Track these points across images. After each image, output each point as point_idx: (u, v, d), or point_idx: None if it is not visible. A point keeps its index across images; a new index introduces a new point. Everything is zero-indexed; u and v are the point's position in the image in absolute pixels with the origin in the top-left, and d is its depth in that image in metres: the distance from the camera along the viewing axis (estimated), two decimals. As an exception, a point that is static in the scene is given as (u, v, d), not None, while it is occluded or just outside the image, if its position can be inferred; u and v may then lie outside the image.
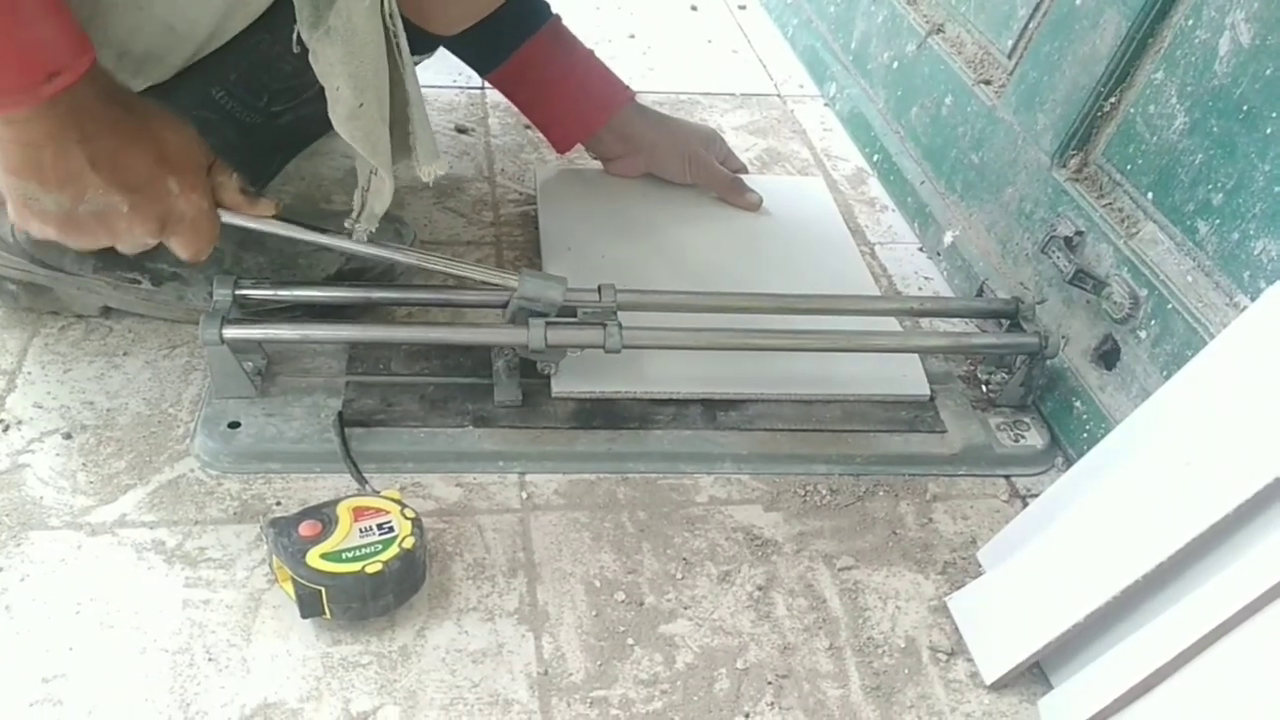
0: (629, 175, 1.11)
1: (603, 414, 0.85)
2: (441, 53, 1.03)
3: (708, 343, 0.85)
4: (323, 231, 0.79)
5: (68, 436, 0.79)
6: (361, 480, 0.77)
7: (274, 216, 0.77)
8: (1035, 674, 0.71)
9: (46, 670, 0.65)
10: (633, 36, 1.53)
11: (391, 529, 0.69)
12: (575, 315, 0.83)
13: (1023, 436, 0.88)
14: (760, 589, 0.75)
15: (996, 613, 0.72)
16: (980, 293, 1.01)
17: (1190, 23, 0.81)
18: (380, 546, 0.68)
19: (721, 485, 0.83)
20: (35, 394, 0.83)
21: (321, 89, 0.68)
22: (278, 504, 0.77)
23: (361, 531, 0.68)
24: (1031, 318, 0.89)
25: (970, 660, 0.72)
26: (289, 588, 0.67)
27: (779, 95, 1.42)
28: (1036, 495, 0.82)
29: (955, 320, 0.99)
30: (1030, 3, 1.01)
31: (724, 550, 0.78)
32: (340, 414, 0.81)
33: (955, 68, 1.12)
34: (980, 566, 0.78)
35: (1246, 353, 0.67)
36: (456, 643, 0.69)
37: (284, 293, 0.83)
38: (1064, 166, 0.93)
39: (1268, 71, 0.74)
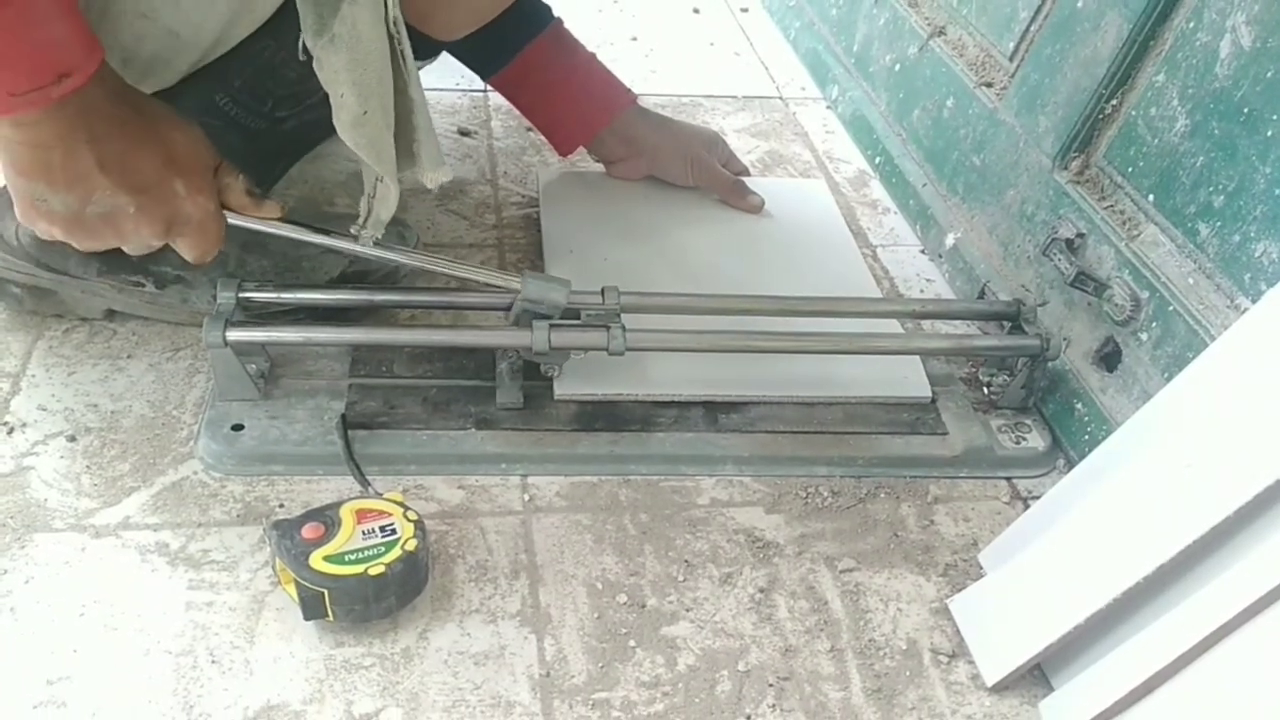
0: (631, 178, 1.12)
1: (605, 416, 0.85)
2: (443, 55, 1.03)
3: (710, 345, 0.86)
4: (328, 233, 0.79)
5: (72, 439, 0.80)
6: (364, 482, 0.77)
7: (280, 219, 0.77)
8: (1036, 676, 0.71)
9: (51, 672, 0.65)
10: (635, 39, 1.53)
11: (394, 531, 0.69)
12: (579, 317, 0.83)
13: (1024, 438, 0.88)
14: (762, 591, 0.75)
15: (998, 615, 0.72)
16: (982, 295, 1.01)
17: (1191, 25, 0.81)
18: (383, 549, 0.68)
19: (723, 487, 0.83)
20: (40, 397, 0.83)
21: (326, 95, 0.69)
22: (281, 506, 0.77)
23: (364, 534, 0.69)
24: (1033, 320, 0.89)
25: (971, 662, 0.72)
26: (292, 590, 0.68)
27: (781, 98, 1.43)
28: (1038, 497, 0.82)
29: (957, 322, 0.99)
30: (1032, 5, 1.01)
31: (725, 552, 0.78)
32: (343, 416, 0.82)
33: (957, 70, 1.12)
34: (981, 568, 0.79)
35: (1247, 355, 0.67)
36: (459, 645, 0.69)
37: (287, 295, 0.84)
38: (1065, 169, 0.93)
39: (1268, 74, 0.74)
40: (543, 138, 1.11)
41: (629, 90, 1.07)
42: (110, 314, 0.90)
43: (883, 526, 0.81)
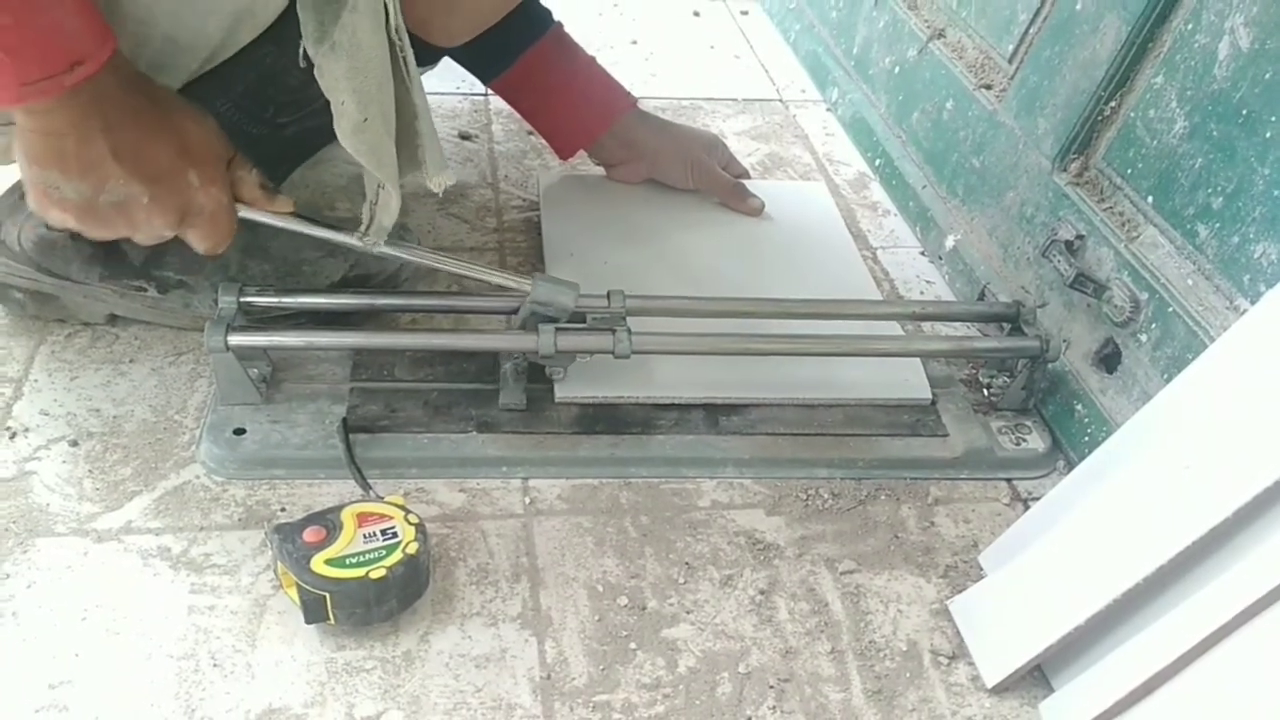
0: (631, 181, 1.12)
1: (605, 419, 0.85)
2: (444, 60, 1.04)
3: (713, 347, 0.86)
4: (338, 230, 0.79)
5: (74, 444, 0.80)
6: (366, 486, 0.78)
7: (291, 214, 0.77)
8: (1036, 677, 0.71)
9: (53, 676, 0.65)
10: (635, 42, 1.53)
11: (395, 535, 0.69)
12: (584, 320, 0.83)
13: (1024, 440, 0.88)
14: (762, 593, 0.75)
15: (998, 616, 0.73)
16: (982, 297, 1.01)
17: (1190, 27, 0.81)
18: (384, 552, 0.68)
19: (723, 490, 0.83)
20: (42, 401, 0.83)
21: (326, 102, 0.69)
22: (282, 510, 0.77)
23: (365, 537, 0.69)
24: (1033, 321, 0.89)
25: (972, 663, 0.72)
26: (294, 593, 0.68)
27: (781, 100, 1.43)
28: (1038, 498, 0.82)
29: (957, 324, 0.99)
30: (1031, 8, 1.01)
31: (726, 554, 0.78)
32: (344, 420, 0.82)
33: (956, 72, 1.13)
34: (982, 570, 0.79)
35: (1247, 356, 0.67)
36: (460, 647, 0.70)
37: (288, 300, 0.84)
38: (1065, 170, 0.94)
39: (1267, 75, 0.74)
40: (543, 141, 1.11)
41: (629, 94, 1.07)
42: (112, 319, 0.90)
43: (883, 528, 0.81)
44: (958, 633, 0.74)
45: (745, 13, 1.68)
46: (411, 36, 0.72)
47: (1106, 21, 0.89)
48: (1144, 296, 0.82)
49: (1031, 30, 1.01)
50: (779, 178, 1.25)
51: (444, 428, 0.83)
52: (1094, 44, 0.90)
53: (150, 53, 0.75)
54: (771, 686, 0.69)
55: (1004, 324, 0.92)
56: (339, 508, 0.71)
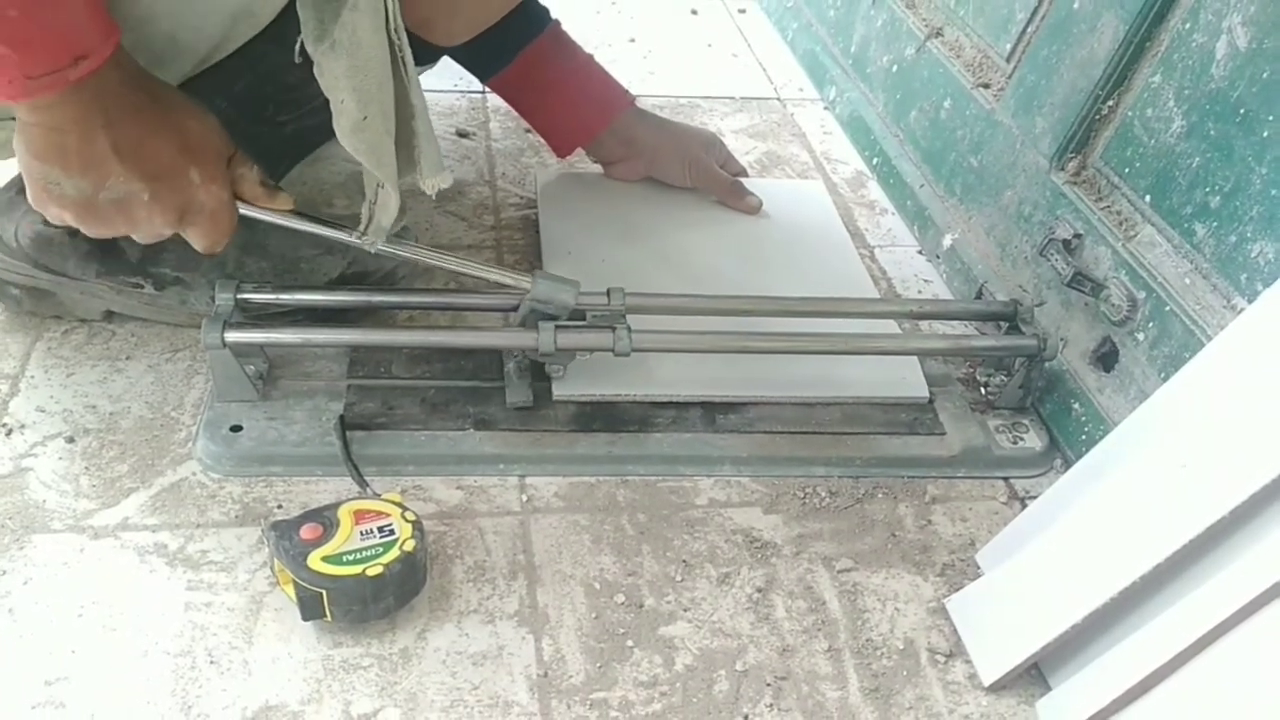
0: (629, 179, 1.12)
1: (603, 417, 0.85)
2: (442, 57, 1.04)
3: (711, 345, 0.86)
4: (339, 227, 0.79)
5: (70, 440, 0.80)
6: (363, 483, 0.77)
7: (291, 211, 0.77)
8: (1033, 675, 0.71)
9: (49, 673, 0.65)
10: (633, 40, 1.53)
11: (392, 532, 0.69)
12: (584, 318, 0.83)
13: (1021, 438, 0.88)
14: (759, 591, 0.75)
15: (995, 614, 0.73)
16: (979, 295, 1.01)
17: (1187, 26, 0.82)
18: (381, 549, 0.68)
19: (721, 488, 0.83)
20: (38, 398, 0.83)
21: (326, 100, 0.69)
22: (279, 507, 0.77)
23: (362, 534, 0.69)
24: (1030, 320, 0.89)
25: (969, 661, 0.72)
26: (290, 590, 0.68)
27: (779, 99, 1.43)
28: (1035, 497, 0.82)
29: (954, 323, 0.99)
30: (1028, 6, 1.01)
31: (723, 552, 0.78)
32: (341, 417, 0.82)
33: (954, 71, 1.13)
34: (979, 568, 0.79)
35: (1244, 355, 0.67)
36: (457, 645, 0.69)
37: (285, 297, 0.84)
38: (1062, 169, 0.94)
39: (1264, 75, 0.74)
40: (541, 139, 1.11)
41: (627, 92, 1.07)
42: (109, 315, 0.90)
43: (880, 526, 0.81)
44: (955, 631, 0.74)
45: (743, 11, 1.68)
46: (411, 36, 0.72)
47: (1104, 20, 0.89)
48: (1141, 295, 0.82)
49: (1029, 29, 1.01)
50: (777, 176, 1.25)
51: (441, 425, 0.83)
52: (1092, 43, 0.90)
53: (150, 51, 0.74)
54: (768, 684, 0.69)
55: (1001, 323, 0.92)
56: (336, 505, 0.71)
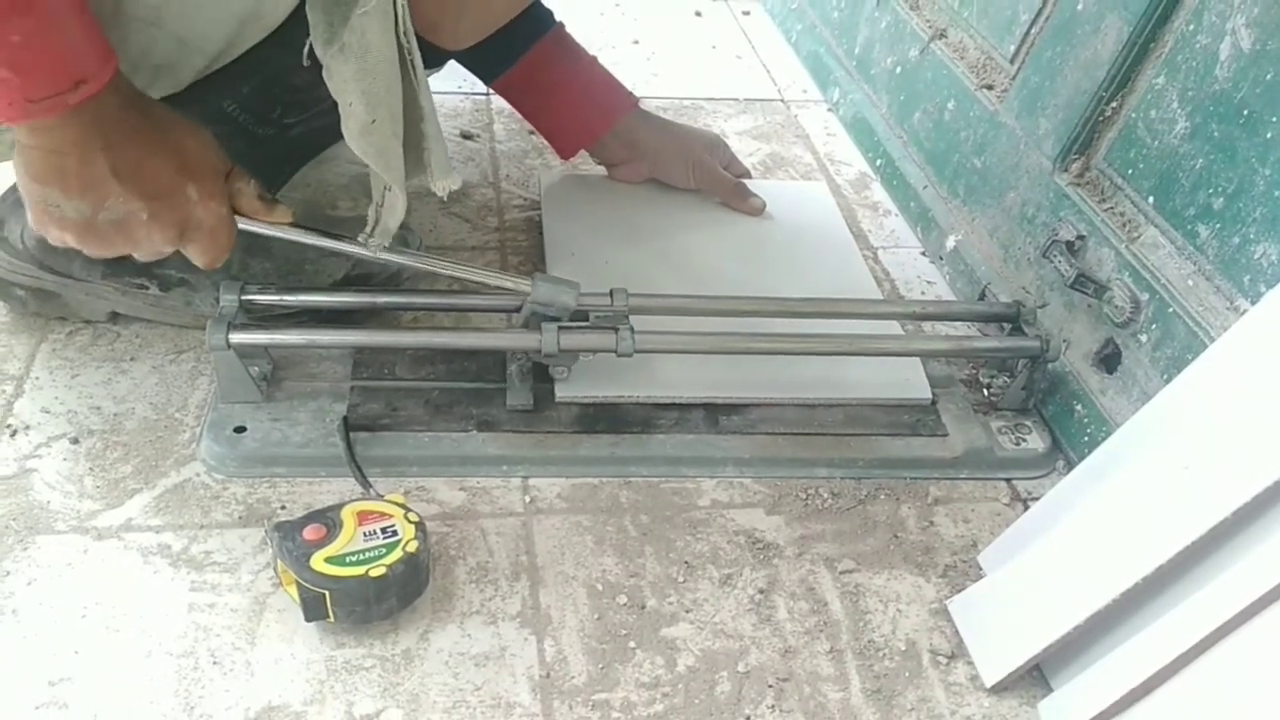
0: (633, 181, 1.12)
1: (606, 418, 0.85)
2: (449, 61, 1.04)
3: (714, 346, 0.86)
4: (339, 238, 0.79)
5: (75, 441, 0.80)
6: (366, 484, 0.78)
7: (291, 223, 0.77)
8: (1035, 676, 0.71)
9: (52, 673, 0.65)
10: (636, 42, 1.54)
11: (395, 533, 0.69)
12: (587, 319, 0.83)
13: (1024, 440, 0.88)
14: (762, 592, 0.75)
15: (997, 615, 0.73)
16: (982, 297, 1.01)
17: (1191, 28, 0.81)
18: (384, 550, 0.68)
19: (723, 489, 0.83)
20: (43, 399, 0.83)
21: (333, 103, 0.69)
22: (283, 508, 0.77)
23: (366, 535, 0.69)
24: (1033, 321, 0.89)
25: (971, 663, 0.72)
26: (293, 591, 0.68)
27: (782, 100, 1.43)
28: (1037, 498, 0.82)
29: (957, 324, 0.99)
30: (1032, 8, 1.01)
31: (725, 553, 0.78)
32: (345, 418, 0.82)
33: (958, 73, 1.13)
34: (981, 569, 0.79)
35: (1247, 356, 0.67)
36: (459, 646, 0.70)
37: (290, 298, 0.84)
38: (1066, 171, 0.94)
39: (1268, 76, 0.74)
40: (545, 141, 1.11)
41: (630, 93, 1.07)
42: (114, 317, 0.90)
43: (882, 528, 0.81)
44: (957, 632, 0.74)
45: (747, 13, 1.68)
46: (419, 40, 0.72)
47: (1108, 22, 0.89)
48: (1144, 297, 0.82)
49: (1033, 31, 1.01)
50: (780, 178, 1.25)
51: (444, 426, 0.83)
52: (1095, 44, 0.90)
53: (158, 54, 0.75)
54: (770, 685, 0.69)
55: (1004, 324, 0.92)
56: (339, 506, 0.71)
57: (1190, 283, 0.79)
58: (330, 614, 0.67)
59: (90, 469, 0.78)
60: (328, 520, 0.69)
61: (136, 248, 0.72)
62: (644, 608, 0.73)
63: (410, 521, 0.70)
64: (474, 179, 1.17)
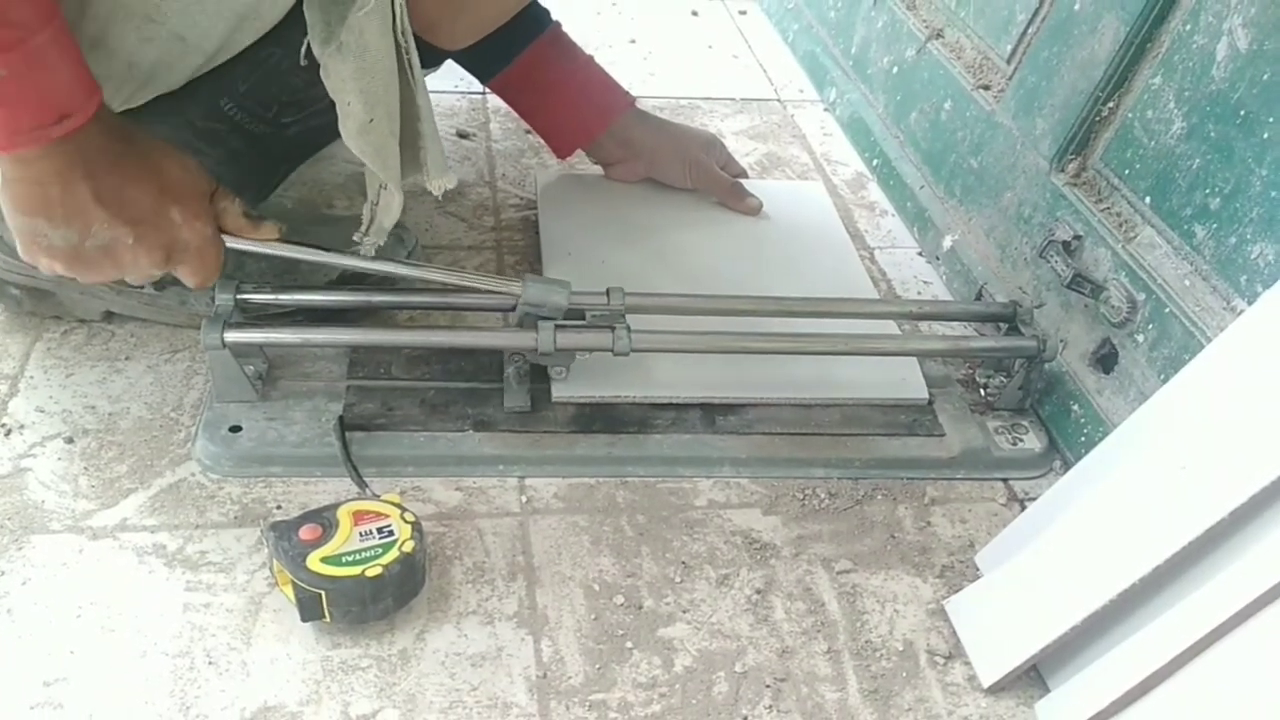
0: (629, 180, 1.12)
1: (602, 418, 0.85)
2: (446, 61, 1.04)
3: (711, 346, 0.86)
4: (326, 250, 0.79)
5: (69, 441, 0.80)
6: (362, 484, 0.77)
7: (278, 239, 0.78)
8: (1033, 677, 0.71)
9: (47, 674, 0.65)
10: (633, 42, 1.53)
11: (391, 533, 0.69)
12: (583, 318, 0.83)
13: (1021, 440, 0.88)
14: (759, 592, 0.75)
15: (994, 616, 0.73)
16: (979, 296, 1.01)
17: (1188, 28, 0.81)
18: (380, 550, 0.68)
19: (720, 489, 0.83)
20: (37, 398, 0.83)
21: (330, 102, 0.69)
22: (278, 508, 0.77)
23: (361, 535, 0.69)
24: (1030, 321, 0.89)
25: (968, 663, 0.72)
26: (289, 591, 0.68)
27: (779, 100, 1.43)
28: (1034, 498, 0.82)
29: (954, 324, 0.99)
30: (1029, 8, 1.01)
31: (722, 554, 0.78)
32: (341, 418, 0.82)
33: (954, 73, 1.13)
34: (978, 570, 0.79)
35: (1243, 356, 0.67)
36: (456, 646, 0.69)
37: (285, 297, 0.84)
38: (1062, 171, 0.94)
39: (1265, 76, 0.74)
40: (541, 140, 1.11)
41: (627, 93, 1.07)
42: (108, 316, 0.90)
43: (879, 528, 0.81)
44: (954, 633, 0.74)
45: (743, 12, 1.68)
46: (416, 39, 0.72)
47: (1105, 22, 0.89)
48: (1141, 297, 0.82)
49: (1030, 31, 1.01)
50: (777, 177, 1.25)
51: (441, 426, 0.83)
52: (1092, 44, 0.90)
53: (156, 50, 0.75)
54: (768, 686, 0.69)
55: (1001, 324, 0.92)
56: (335, 505, 0.71)
57: (1187, 283, 0.79)
58: (326, 614, 0.67)
59: (85, 468, 0.78)
60: (323, 520, 0.69)
61: (125, 272, 0.73)
62: (641, 608, 0.73)
63: (406, 521, 0.70)
64: (470, 178, 1.17)
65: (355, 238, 0.78)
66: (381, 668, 0.68)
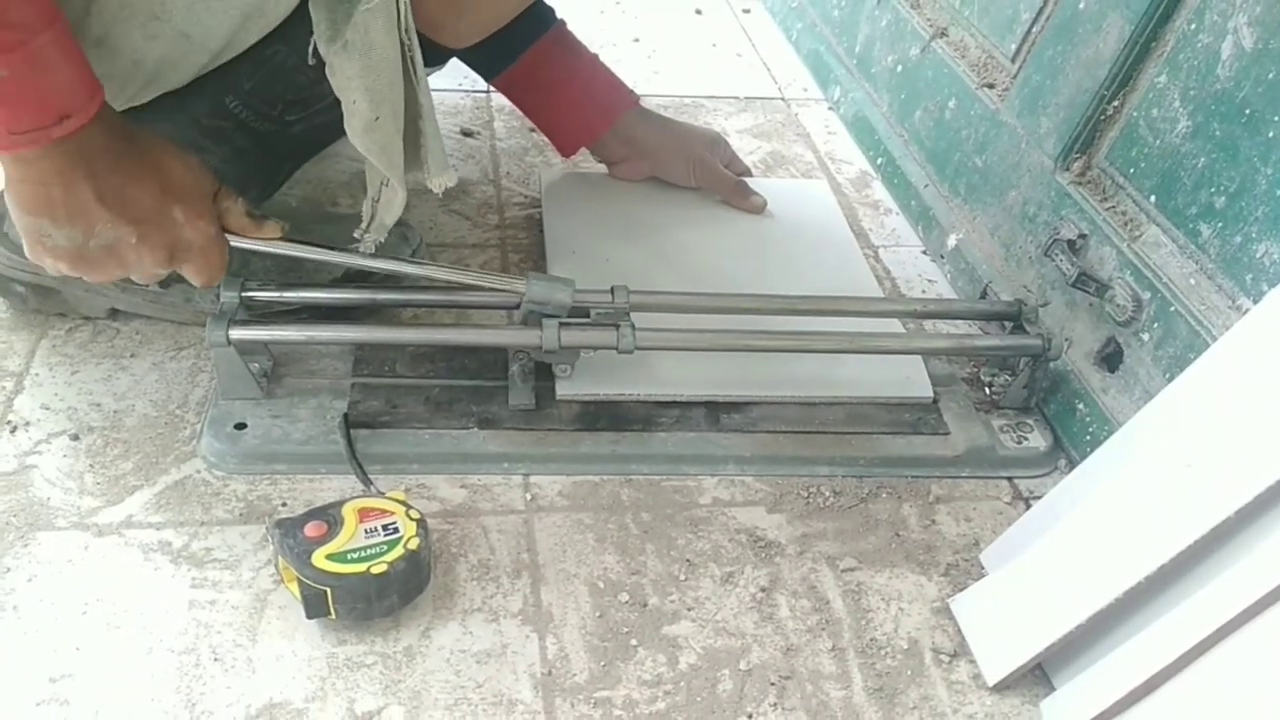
0: (633, 179, 1.12)
1: (607, 416, 0.85)
2: (450, 59, 1.04)
3: (715, 344, 0.86)
4: (329, 249, 0.79)
5: (75, 438, 0.80)
6: (367, 481, 0.78)
7: (281, 238, 0.78)
8: (1038, 675, 0.71)
9: (53, 670, 0.65)
10: (637, 40, 1.53)
11: (396, 530, 0.69)
12: (588, 316, 0.83)
13: (1026, 438, 0.88)
14: (763, 590, 0.75)
15: (999, 614, 0.73)
16: (984, 295, 1.01)
17: (1193, 27, 0.81)
18: (385, 547, 0.68)
19: (725, 487, 0.83)
20: (43, 395, 0.83)
21: (335, 100, 0.69)
22: (283, 505, 0.77)
23: (367, 532, 0.69)
24: (1035, 320, 0.89)
25: (973, 661, 0.72)
26: (294, 588, 0.68)
27: (783, 99, 1.43)
28: (1039, 497, 0.82)
29: (959, 322, 0.99)
30: (1033, 7, 1.01)
31: (727, 552, 0.78)
32: (346, 415, 0.82)
33: (959, 71, 1.13)
34: (983, 568, 0.79)
35: (1248, 355, 0.67)
36: (461, 643, 0.70)
37: (290, 295, 0.84)
38: (1067, 170, 0.94)
39: (1270, 75, 0.74)
40: (545, 138, 1.11)
41: (631, 91, 1.07)
42: (114, 313, 0.90)
43: (884, 526, 0.81)
44: (959, 631, 0.74)
45: (747, 11, 1.68)
46: (420, 38, 0.72)
47: (1109, 20, 0.89)
48: (1146, 296, 0.82)
49: (1034, 29, 1.01)
50: (781, 176, 1.25)
51: (445, 423, 0.83)
52: (1097, 43, 0.90)
53: (162, 47, 0.75)
54: (772, 684, 0.69)
55: (1006, 322, 0.92)
56: (340, 503, 0.71)
57: (1192, 281, 0.79)
58: (332, 611, 0.67)
59: (91, 465, 0.78)
60: (329, 517, 0.69)
61: (129, 271, 0.73)
62: (646, 605, 0.73)
63: (411, 519, 0.70)
64: (474, 176, 1.17)
65: (356, 234, 0.78)
66: (386, 665, 0.68)
